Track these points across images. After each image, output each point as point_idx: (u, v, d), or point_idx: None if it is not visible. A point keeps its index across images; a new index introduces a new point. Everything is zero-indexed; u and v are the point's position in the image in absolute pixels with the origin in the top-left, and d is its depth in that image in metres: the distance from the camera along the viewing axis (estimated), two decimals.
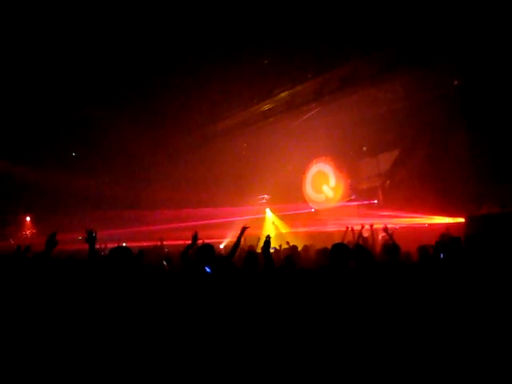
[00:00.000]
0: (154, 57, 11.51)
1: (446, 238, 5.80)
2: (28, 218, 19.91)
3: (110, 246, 9.51)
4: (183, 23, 10.31)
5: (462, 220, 8.67)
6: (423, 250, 5.38)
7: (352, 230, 8.32)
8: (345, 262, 3.93)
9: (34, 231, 19.36)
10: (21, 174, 16.73)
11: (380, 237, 8.88)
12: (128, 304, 3.46)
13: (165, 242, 10.09)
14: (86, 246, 4.36)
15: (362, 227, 8.36)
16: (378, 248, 7.12)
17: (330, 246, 4.92)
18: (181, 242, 8.21)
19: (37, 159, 16.24)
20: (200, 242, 6.28)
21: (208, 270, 4.05)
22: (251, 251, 5.79)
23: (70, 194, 17.25)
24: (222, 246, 12.66)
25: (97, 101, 13.50)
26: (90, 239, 4.40)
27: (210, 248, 4.50)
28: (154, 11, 9.93)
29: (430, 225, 10.17)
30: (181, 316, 3.53)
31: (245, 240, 11.33)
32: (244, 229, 5.72)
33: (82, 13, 9.81)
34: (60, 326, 3.30)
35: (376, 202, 13.73)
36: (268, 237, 4.51)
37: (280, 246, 8.70)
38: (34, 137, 14.95)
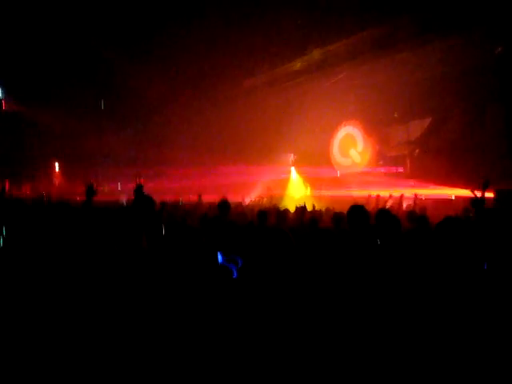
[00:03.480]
0: (184, 7, 11.25)
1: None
2: (57, 164, 20.21)
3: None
4: None
5: (490, 195, 8.44)
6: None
7: (377, 197, 8.22)
8: (363, 225, 3.87)
9: (62, 180, 19.71)
10: (49, 123, 16.92)
11: (405, 205, 8.79)
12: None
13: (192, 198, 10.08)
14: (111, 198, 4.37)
15: (390, 196, 8.25)
16: (403, 217, 7.03)
17: None
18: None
19: (65, 109, 16.37)
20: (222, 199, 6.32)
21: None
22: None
23: (97, 146, 17.51)
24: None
25: (127, 56, 13.41)
26: (90, 193, 4.31)
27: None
28: None
29: (456, 197, 9.99)
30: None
31: (271, 199, 11.40)
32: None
33: None
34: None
35: (403, 170, 13.51)
36: None
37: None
38: (64, 87, 14.97)
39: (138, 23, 12.04)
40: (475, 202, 4.54)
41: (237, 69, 13.89)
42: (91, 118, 17.00)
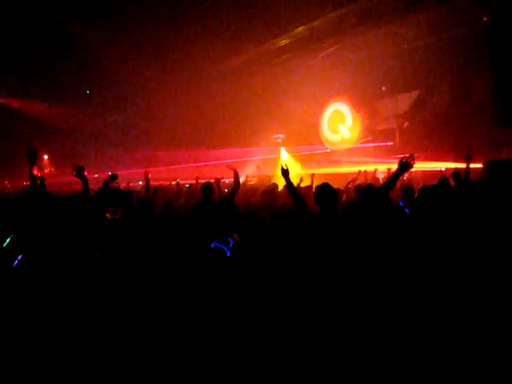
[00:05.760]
0: None
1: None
2: (46, 157, 19.97)
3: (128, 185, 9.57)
4: None
5: (479, 165, 8.47)
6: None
7: (365, 172, 8.25)
8: (331, 203, 3.92)
9: (53, 170, 19.49)
10: (37, 114, 16.73)
11: None
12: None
13: (181, 182, 10.01)
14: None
15: (376, 171, 8.30)
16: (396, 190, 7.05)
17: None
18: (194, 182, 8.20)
19: (52, 98, 16.19)
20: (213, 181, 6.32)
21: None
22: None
23: (84, 133, 17.36)
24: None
25: (111, 39, 13.20)
26: (81, 176, 4.25)
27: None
28: None
29: (446, 169, 10.00)
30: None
31: (268, 179, 11.34)
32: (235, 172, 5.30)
33: None
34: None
35: (392, 143, 13.51)
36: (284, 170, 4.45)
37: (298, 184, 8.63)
38: (50, 76, 14.79)
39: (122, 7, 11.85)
40: (455, 173, 4.82)
41: (221, 48, 13.68)
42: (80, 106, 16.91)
